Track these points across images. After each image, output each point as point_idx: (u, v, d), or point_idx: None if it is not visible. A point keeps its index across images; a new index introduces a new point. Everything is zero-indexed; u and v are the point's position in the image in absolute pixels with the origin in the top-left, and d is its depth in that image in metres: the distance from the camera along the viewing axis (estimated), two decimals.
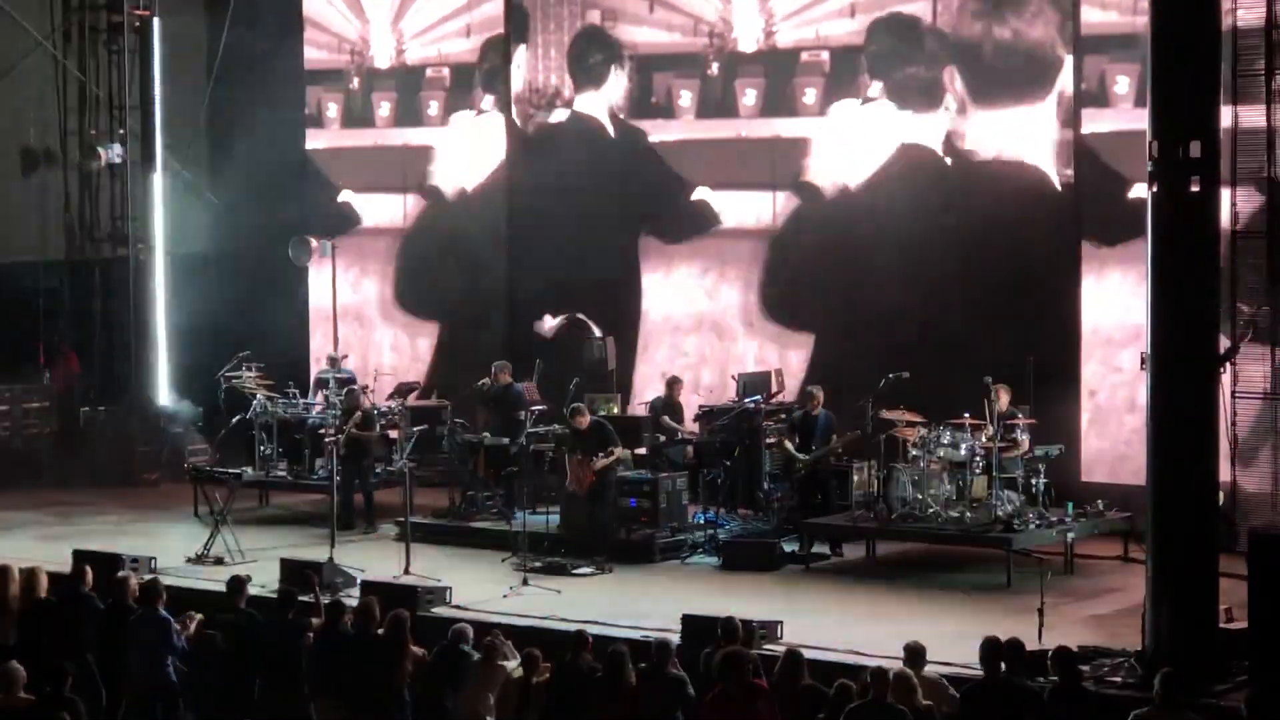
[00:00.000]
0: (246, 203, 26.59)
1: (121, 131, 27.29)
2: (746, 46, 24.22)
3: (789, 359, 23.70)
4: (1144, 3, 21.05)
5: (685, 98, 24.74)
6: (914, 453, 19.90)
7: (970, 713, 13.60)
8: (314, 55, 27.70)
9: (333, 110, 27.63)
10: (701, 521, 20.94)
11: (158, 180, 27.28)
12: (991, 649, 13.65)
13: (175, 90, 27.36)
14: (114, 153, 27.07)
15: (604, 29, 25.18)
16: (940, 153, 22.86)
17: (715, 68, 24.48)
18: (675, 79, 24.77)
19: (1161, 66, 15.11)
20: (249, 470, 23.13)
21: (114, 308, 27.60)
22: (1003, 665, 13.63)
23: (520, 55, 25.81)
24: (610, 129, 25.25)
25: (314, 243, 25.71)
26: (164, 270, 27.32)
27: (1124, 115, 21.40)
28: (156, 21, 27.23)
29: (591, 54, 25.31)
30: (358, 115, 27.39)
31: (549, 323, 25.13)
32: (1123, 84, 21.60)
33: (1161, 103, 15.06)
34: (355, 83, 27.41)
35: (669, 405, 22.47)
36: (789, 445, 20.84)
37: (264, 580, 18.28)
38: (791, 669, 14.05)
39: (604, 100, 25.30)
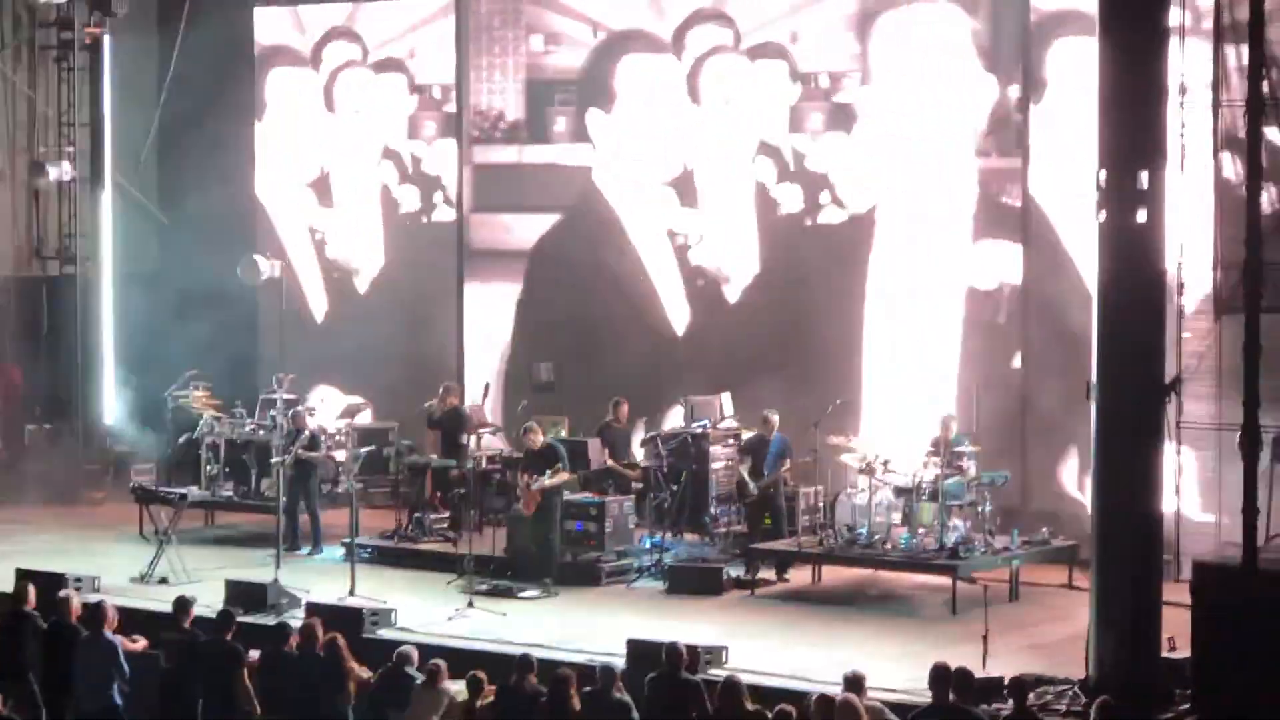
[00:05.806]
0: (195, 221, 26.46)
1: (70, 149, 27.19)
2: None
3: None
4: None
5: None
6: (860, 479, 19.93)
7: None
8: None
9: None
10: (648, 545, 20.93)
11: (106, 198, 27.16)
12: (940, 675, 13.63)
13: (125, 108, 27.26)
14: (62, 170, 26.95)
15: None
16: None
17: None
18: None
19: (1110, 95, 15.16)
20: (194, 490, 23.01)
21: (61, 325, 27.47)
22: (950, 692, 13.63)
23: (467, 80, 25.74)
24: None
25: (263, 262, 25.64)
26: (112, 288, 27.22)
27: None
28: (108, 39, 27.12)
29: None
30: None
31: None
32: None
33: (1109, 131, 15.12)
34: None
35: (614, 429, 22.37)
36: (742, 470, 20.85)
37: (209, 600, 18.19)
38: (730, 696, 14.05)
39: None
